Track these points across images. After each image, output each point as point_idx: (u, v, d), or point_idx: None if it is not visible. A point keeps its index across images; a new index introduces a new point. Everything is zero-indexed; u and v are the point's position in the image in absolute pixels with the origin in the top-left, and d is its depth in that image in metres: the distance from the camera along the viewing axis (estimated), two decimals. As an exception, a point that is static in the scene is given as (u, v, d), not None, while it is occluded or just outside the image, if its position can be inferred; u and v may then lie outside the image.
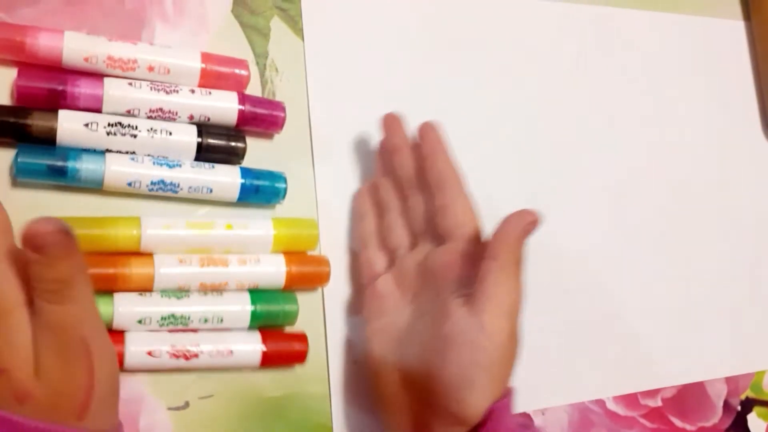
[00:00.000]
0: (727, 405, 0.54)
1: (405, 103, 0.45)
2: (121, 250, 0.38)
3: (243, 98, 0.42)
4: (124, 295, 0.38)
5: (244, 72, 0.43)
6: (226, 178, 0.41)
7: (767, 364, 0.56)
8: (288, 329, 0.42)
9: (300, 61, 0.46)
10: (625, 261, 0.53)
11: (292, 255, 0.42)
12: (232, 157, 0.42)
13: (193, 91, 0.41)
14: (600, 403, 0.50)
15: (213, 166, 0.40)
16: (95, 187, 0.39)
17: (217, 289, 0.39)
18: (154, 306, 0.38)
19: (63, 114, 0.38)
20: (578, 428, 0.49)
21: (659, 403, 0.52)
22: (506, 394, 0.37)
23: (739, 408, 0.54)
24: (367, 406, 0.43)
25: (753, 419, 0.55)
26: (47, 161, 0.37)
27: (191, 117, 0.41)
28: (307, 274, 0.42)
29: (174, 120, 0.41)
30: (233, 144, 0.41)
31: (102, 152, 0.39)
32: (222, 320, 0.39)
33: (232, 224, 0.40)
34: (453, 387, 0.36)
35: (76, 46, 0.39)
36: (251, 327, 0.40)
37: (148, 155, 0.39)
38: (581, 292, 0.51)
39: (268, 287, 0.41)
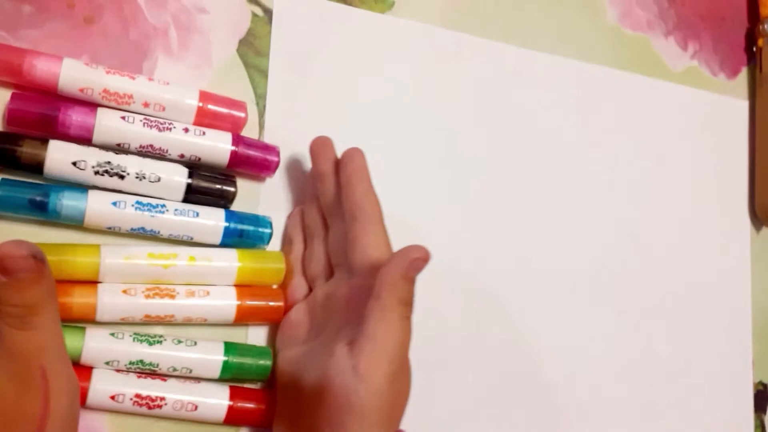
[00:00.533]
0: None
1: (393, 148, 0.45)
2: (79, 278, 0.37)
3: (237, 139, 0.42)
4: (96, 330, 0.37)
5: (241, 114, 0.42)
6: (209, 221, 0.40)
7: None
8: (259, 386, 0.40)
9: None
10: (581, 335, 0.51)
11: (245, 288, 0.40)
12: (221, 200, 0.41)
13: (186, 130, 0.40)
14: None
15: (197, 214, 0.40)
16: (76, 224, 0.38)
17: (162, 322, 0.38)
18: (125, 347, 0.37)
19: (53, 145, 0.37)
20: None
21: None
22: None
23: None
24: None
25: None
26: (28, 195, 0.37)
27: (182, 155, 0.40)
28: (261, 309, 0.40)
29: (164, 156, 0.40)
30: (223, 188, 0.41)
31: (85, 190, 0.38)
32: (191, 371, 0.38)
33: (194, 256, 0.39)
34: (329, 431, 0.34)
35: (72, 75, 0.38)
36: (222, 378, 0.39)
37: (134, 194, 0.39)
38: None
39: (217, 322, 0.39)
